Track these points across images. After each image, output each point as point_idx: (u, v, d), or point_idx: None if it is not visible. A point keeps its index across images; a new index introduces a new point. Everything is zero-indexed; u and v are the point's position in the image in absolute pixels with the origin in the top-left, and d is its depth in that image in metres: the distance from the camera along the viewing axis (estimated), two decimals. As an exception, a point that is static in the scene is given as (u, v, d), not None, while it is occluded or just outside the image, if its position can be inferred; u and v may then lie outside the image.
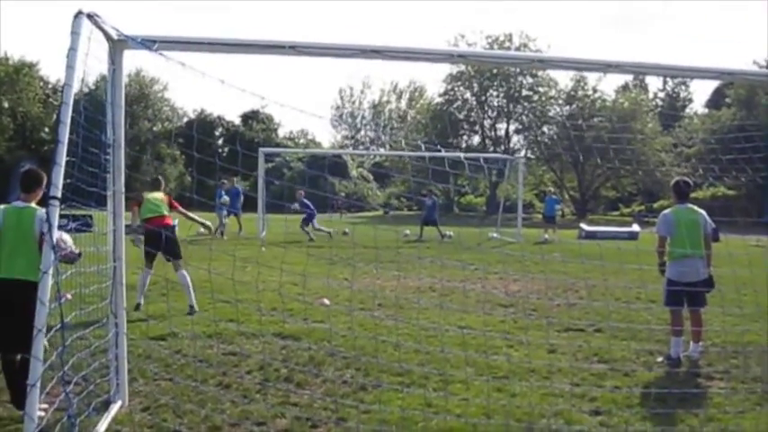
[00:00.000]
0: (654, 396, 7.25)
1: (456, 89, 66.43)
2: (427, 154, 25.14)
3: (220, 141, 74.54)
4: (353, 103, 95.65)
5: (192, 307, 11.15)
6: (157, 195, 12.10)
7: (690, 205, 9.31)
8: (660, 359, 8.91)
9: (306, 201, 26.52)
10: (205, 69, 6.20)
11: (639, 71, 8.86)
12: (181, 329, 9.41)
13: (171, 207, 12.03)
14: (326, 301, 11.69)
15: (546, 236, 29.58)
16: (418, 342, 8.97)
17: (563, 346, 9.33)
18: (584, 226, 35.54)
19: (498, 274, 15.72)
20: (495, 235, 29.83)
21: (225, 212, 26.19)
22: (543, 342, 9.35)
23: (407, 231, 28.15)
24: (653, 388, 7.52)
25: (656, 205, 58.81)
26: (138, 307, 11.14)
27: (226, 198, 26.36)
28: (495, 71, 60.95)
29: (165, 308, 10.55)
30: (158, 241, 10.61)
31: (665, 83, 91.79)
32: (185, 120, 78.07)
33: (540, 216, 38.66)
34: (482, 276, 15.47)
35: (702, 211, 9.26)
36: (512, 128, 68.33)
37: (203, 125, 72.24)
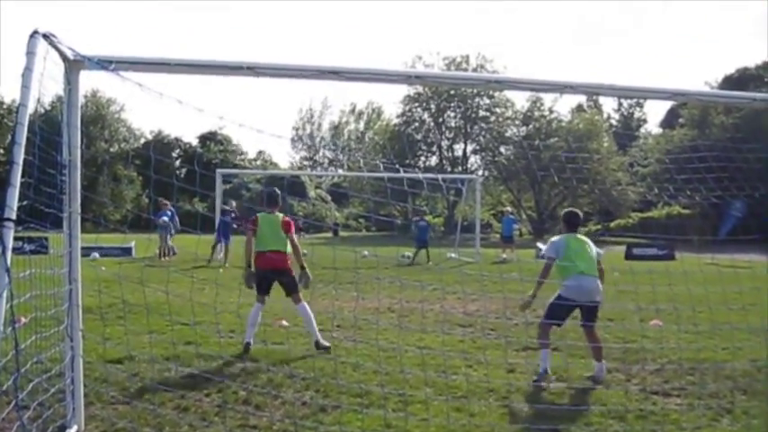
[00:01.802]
0: (612, 414, 7.29)
1: (413, 110, 66.86)
2: (385, 174, 25.16)
3: (178, 162, 74.18)
4: (313, 123, 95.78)
5: (318, 343, 10.06)
6: (273, 219, 10.61)
7: (579, 235, 9.50)
8: (535, 378, 8.75)
9: (169, 211, 26.28)
10: (164, 89, 6.18)
11: (594, 92, 8.95)
12: (138, 352, 9.30)
13: (287, 232, 10.48)
14: (285, 323, 11.66)
15: (504, 255, 29.78)
16: (377, 363, 8.95)
17: (521, 365, 9.36)
18: (541, 245, 35.74)
19: (457, 294, 15.75)
20: (453, 255, 29.93)
21: (169, 234, 26.14)
22: (502, 361, 9.38)
23: (366, 252, 28.15)
24: (611, 405, 7.55)
25: (612, 224, 59.46)
26: (247, 348, 9.96)
27: (165, 219, 26.17)
28: (452, 92, 61.42)
29: (123, 330, 10.44)
30: (269, 283, 10.30)
31: (619, 103, 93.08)
32: (142, 140, 77.70)
33: (497, 236, 38.84)
34: (441, 296, 15.50)
35: (590, 241, 9.44)
36: (469, 148, 68.90)
37: (161, 146, 71.94)
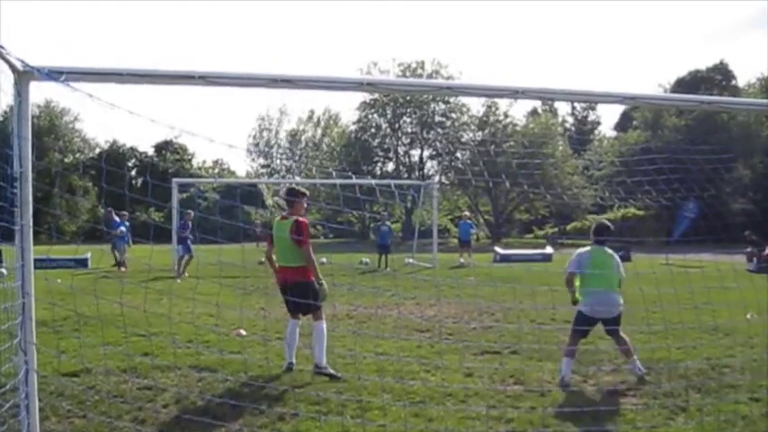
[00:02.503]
0: (568, 415, 7.35)
1: (370, 116, 66.84)
2: (340, 181, 25.24)
3: (133, 172, 73.54)
4: (271, 131, 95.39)
5: (317, 365, 9.15)
6: (283, 226, 9.43)
7: (605, 248, 9.52)
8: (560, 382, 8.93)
9: (117, 219, 26.17)
10: (120, 99, 6.14)
11: (546, 97, 9.03)
12: (94, 365, 9.21)
13: (297, 241, 9.18)
14: (243, 332, 11.60)
15: (461, 260, 29.90)
16: (335, 370, 8.95)
17: (479, 369, 9.39)
18: (498, 249, 36.03)
19: (414, 300, 15.80)
20: (410, 260, 29.98)
21: (125, 244, 25.97)
22: (459, 366, 9.42)
23: (324, 259, 28.11)
24: (567, 407, 7.62)
25: (569, 227, 59.95)
26: (290, 367, 9.35)
27: (122, 229, 25.97)
28: (408, 98, 61.50)
29: (78, 343, 10.34)
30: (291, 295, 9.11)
31: (573, 107, 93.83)
32: (97, 151, 76.84)
33: (455, 241, 38.98)
34: (398, 302, 15.53)
35: (617, 259, 9.49)
36: (425, 154, 69.01)
37: (116, 156, 71.23)
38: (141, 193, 40.12)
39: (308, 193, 9.85)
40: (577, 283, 9.35)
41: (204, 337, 11.30)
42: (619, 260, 9.51)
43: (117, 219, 26.35)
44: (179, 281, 20.01)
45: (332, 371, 9.00)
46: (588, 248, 9.51)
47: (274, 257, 9.65)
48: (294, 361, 9.39)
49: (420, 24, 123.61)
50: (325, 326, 9.30)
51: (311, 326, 9.41)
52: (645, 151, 42.60)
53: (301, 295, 8.96)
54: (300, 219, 9.29)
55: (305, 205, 9.63)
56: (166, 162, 73.03)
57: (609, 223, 9.84)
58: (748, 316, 12.50)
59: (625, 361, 9.31)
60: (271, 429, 6.97)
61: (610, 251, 9.51)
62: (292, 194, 9.58)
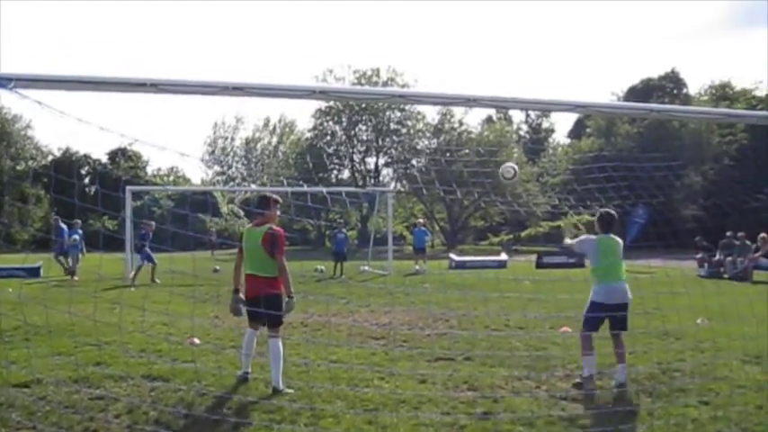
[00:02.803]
0: (521, 420, 7.40)
1: (325, 124, 66.87)
2: (292, 189, 25.17)
3: (87, 180, 72.74)
4: (226, 138, 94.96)
5: (275, 388, 8.60)
6: (255, 234, 8.98)
7: (612, 236, 9.58)
8: (578, 380, 9.12)
9: (64, 227, 25.91)
10: (77, 106, 6.10)
11: (498, 105, 9.09)
12: (45, 375, 9.10)
13: (271, 252, 8.76)
14: (196, 341, 11.51)
15: (417, 267, 29.94)
16: (289, 378, 8.90)
17: (433, 375, 9.40)
18: (453, 256, 36.12)
19: (369, 307, 15.80)
20: (366, 268, 29.98)
21: (80, 252, 25.69)
22: (413, 373, 9.44)
23: (218, 266, 28.00)
24: (520, 412, 7.67)
25: (523, 234, 60.36)
26: (245, 377, 9.06)
27: (76, 237, 25.68)
28: (363, 106, 61.58)
29: (28, 353, 10.20)
30: (258, 309, 8.58)
31: (527, 115, 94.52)
32: (50, 158, 75.95)
33: (410, 248, 39.07)
34: (353, 310, 15.53)
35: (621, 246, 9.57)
36: (381, 161, 69.11)
37: (69, 163, 70.43)
38: (95, 201, 39.63)
39: (281, 200, 9.55)
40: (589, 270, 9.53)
41: (157, 346, 11.19)
42: (621, 244, 9.56)
43: (64, 227, 25.95)
44: (132, 289, 19.82)
45: (290, 390, 8.65)
46: (595, 239, 9.57)
47: (243, 267, 9.16)
48: (249, 371, 9.14)
49: (377, 32, 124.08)
50: (281, 344, 8.88)
51: (267, 341, 8.96)
52: (596, 159, 43.09)
53: (269, 307, 8.58)
54: (275, 228, 8.94)
55: (278, 213, 9.32)
56: (120, 170, 72.36)
57: (613, 211, 9.85)
58: (698, 321, 12.67)
59: (614, 363, 9.29)
60: (223, 438, 6.93)
61: (616, 238, 9.57)
62: (264, 202, 9.20)
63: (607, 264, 9.30)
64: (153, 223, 25.46)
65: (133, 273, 23.68)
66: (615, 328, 9.20)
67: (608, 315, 9.19)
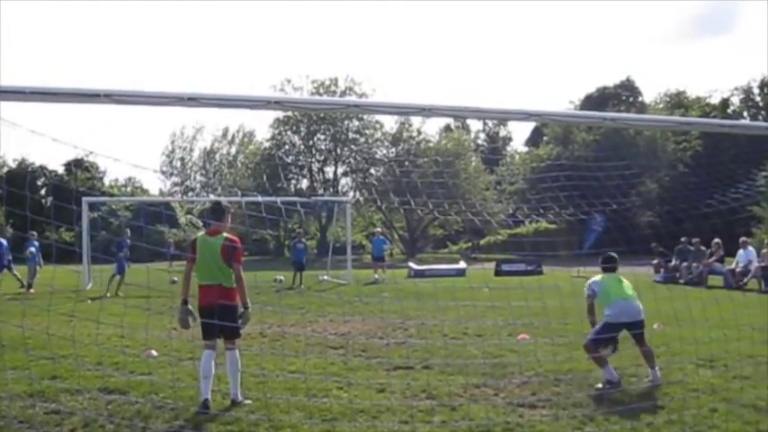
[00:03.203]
0: (479, 428, 7.43)
1: (283, 133, 66.65)
2: (243, 199, 25.12)
3: (43, 191, 71.83)
4: (185, 149, 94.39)
5: (234, 400, 8.53)
6: (212, 243, 8.68)
7: (614, 275, 10.04)
8: (600, 385, 9.27)
9: (2, 241, 25.59)
10: (27, 116, 6.05)
11: (454, 114, 9.16)
12: (-1, 390, 9.00)
13: (230, 261, 8.55)
14: (154, 353, 11.42)
15: (376, 276, 29.95)
16: (247, 389, 8.84)
17: (392, 384, 9.41)
18: (412, 265, 36.20)
19: (329, 317, 15.79)
20: (325, 277, 29.95)
21: (37, 265, 25.37)
22: (371, 382, 9.43)
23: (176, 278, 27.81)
24: (478, 420, 7.70)
25: (482, 242, 60.63)
26: (206, 405, 8.26)
27: (32, 249, 25.36)
28: (321, 115, 61.48)
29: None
30: (213, 321, 8.28)
31: (484, 123, 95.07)
32: (5, 170, 74.96)
33: (369, 257, 39.12)
34: (312, 320, 15.52)
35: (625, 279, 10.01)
36: (340, 170, 69.08)
37: (24, 175, 69.53)
38: (51, 212, 39.11)
39: (232, 208, 9.42)
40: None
41: (113, 359, 11.08)
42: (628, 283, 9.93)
43: (3, 241, 25.38)
44: (89, 302, 19.59)
45: (248, 401, 8.57)
46: (599, 277, 10.05)
47: (194, 276, 8.79)
48: (209, 397, 8.37)
49: (336, 42, 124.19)
50: (238, 355, 8.69)
51: (224, 353, 8.67)
52: (549, 168, 43.44)
53: (224, 318, 8.30)
54: (233, 237, 8.71)
55: (230, 220, 9.07)
56: (77, 181, 71.53)
57: (614, 255, 10.35)
58: (655, 326, 12.80)
59: (645, 365, 9.61)
60: (181, 451, 6.89)
61: (618, 276, 9.99)
62: (219, 210, 8.91)
63: (615, 285, 9.80)
64: (128, 230, 25.34)
65: (109, 282, 23.45)
66: (635, 336, 9.56)
67: (623, 327, 9.53)
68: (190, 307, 8.70)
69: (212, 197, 75.51)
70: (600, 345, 9.47)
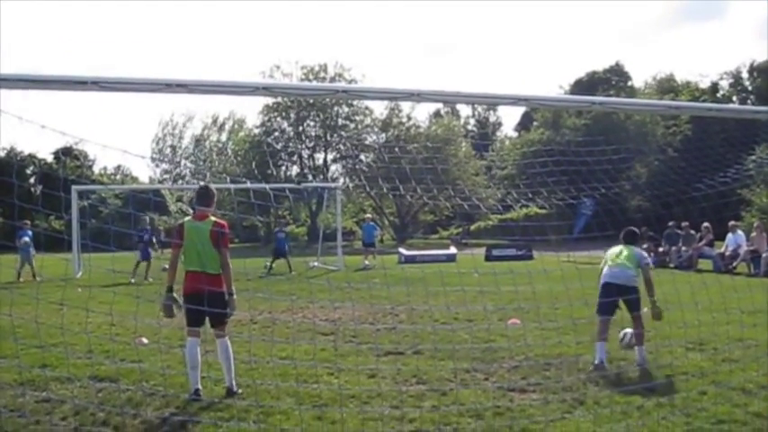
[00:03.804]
0: (469, 412, 7.46)
1: (273, 120, 66.43)
2: (232, 186, 25.07)
3: (32, 180, 71.50)
4: (174, 136, 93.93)
5: (229, 389, 8.49)
6: (200, 228, 8.56)
7: (624, 245, 10.39)
8: (591, 367, 9.48)
9: (30, 231, 25.62)
10: (15, 103, 6.01)
11: (443, 99, 9.15)
12: (-12, 379, 8.99)
13: (218, 246, 8.48)
14: (144, 340, 11.41)
15: (366, 262, 29.96)
16: (237, 376, 8.81)
17: (382, 370, 9.43)
18: (402, 251, 36.23)
19: (320, 303, 15.80)
20: (315, 264, 29.94)
21: (31, 253, 25.30)
22: (362, 368, 9.45)
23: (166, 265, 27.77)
24: (468, 404, 7.73)
25: (472, 227, 60.64)
26: (197, 394, 8.27)
27: (26, 239, 25.29)
28: (311, 101, 61.33)
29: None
30: (200, 307, 8.10)
31: (474, 108, 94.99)
32: (-7, 157, 74.56)
33: (360, 243, 39.12)
34: (302, 306, 15.52)
35: (637, 251, 10.34)
36: (330, 157, 68.93)
37: (13, 163, 69.17)
38: (42, 200, 38.99)
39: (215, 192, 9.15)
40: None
41: (103, 347, 11.07)
42: (638, 254, 10.25)
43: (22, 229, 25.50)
44: (79, 290, 19.51)
45: (240, 390, 8.53)
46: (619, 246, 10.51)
47: (181, 262, 8.61)
48: (200, 387, 8.36)
49: (325, 28, 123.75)
50: (229, 342, 8.58)
51: (215, 342, 8.61)
52: (539, 153, 43.48)
53: (212, 305, 8.15)
54: (221, 221, 8.62)
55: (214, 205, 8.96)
56: (66, 169, 71.21)
57: (635, 229, 10.87)
58: (644, 310, 12.82)
59: (633, 345, 9.91)
60: (172, 438, 6.89)
61: (626, 246, 10.36)
62: (207, 193, 8.84)
63: (617, 254, 10.22)
64: (147, 218, 25.71)
65: (134, 269, 23.68)
66: (630, 309, 9.92)
67: (617, 298, 9.87)
68: (175, 294, 8.56)
69: (202, 184, 75.20)
70: (602, 310, 9.87)
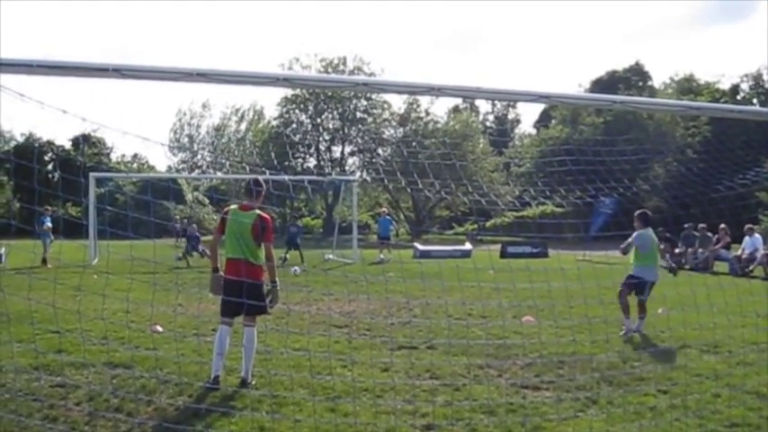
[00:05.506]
0: (482, 408, 7.46)
1: (291, 112, 66.48)
2: (248, 176, 25.19)
3: (50, 166, 71.78)
4: (192, 126, 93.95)
5: (244, 380, 8.48)
6: (242, 218, 8.58)
7: (650, 230, 12.42)
8: (621, 333, 11.63)
9: (50, 216, 25.64)
10: (35, 90, 6.02)
11: (463, 94, 9.10)
12: (4, 363, 9.03)
13: (259, 240, 8.53)
14: (159, 328, 11.46)
15: (381, 256, 29.97)
16: (253, 366, 8.86)
17: (396, 363, 9.44)
18: (418, 245, 36.17)
19: (334, 296, 15.81)
20: (330, 256, 29.97)
21: (49, 239, 25.36)
22: (375, 361, 9.46)
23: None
24: (481, 400, 7.72)
25: (488, 224, 60.51)
26: (216, 381, 8.30)
27: (48, 224, 25.35)
28: (329, 94, 61.33)
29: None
30: (238, 295, 8.11)
31: (493, 105, 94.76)
32: (13, 144, 74.86)
33: (375, 237, 39.11)
34: (317, 298, 15.53)
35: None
36: (347, 150, 68.93)
37: (32, 149, 69.42)
38: (59, 186, 39.19)
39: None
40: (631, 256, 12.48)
41: (119, 333, 11.12)
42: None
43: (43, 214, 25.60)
44: (95, 276, 19.59)
45: (254, 381, 8.54)
46: (640, 231, 12.29)
47: (221, 249, 8.75)
48: (221, 374, 8.42)
49: (345, 22, 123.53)
50: (255, 333, 8.65)
51: (242, 330, 8.63)
52: (557, 152, 43.33)
53: (250, 295, 8.19)
54: (264, 214, 8.64)
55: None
56: (84, 156, 71.38)
57: (648, 211, 12.80)
58: (660, 310, 12.81)
59: (637, 316, 12.03)
60: (185, 425, 6.90)
61: (652, 232, 12.46)
62: (258, 184, 8.84)
63: (649, 253, 12.23)
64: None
65: (96, 260, 23.61)
66: (642, 294, 12.02)
67: (640, 287, 12.04)
68: (221, 273, 8.61)
69: (220, 174, 75.40)
70: (629, 290, 12.12)
